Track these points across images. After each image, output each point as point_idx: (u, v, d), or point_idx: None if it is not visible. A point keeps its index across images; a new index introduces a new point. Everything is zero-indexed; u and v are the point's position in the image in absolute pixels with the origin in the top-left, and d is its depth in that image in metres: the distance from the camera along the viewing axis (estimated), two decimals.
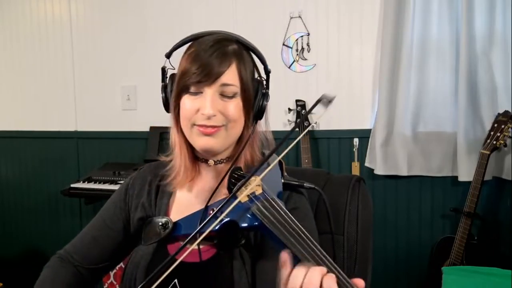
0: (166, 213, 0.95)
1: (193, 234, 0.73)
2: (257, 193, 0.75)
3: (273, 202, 0.74)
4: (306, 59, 2.38)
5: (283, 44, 2.39)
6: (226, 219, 0.78)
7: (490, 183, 2.13)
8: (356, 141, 2.33)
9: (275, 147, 0.76)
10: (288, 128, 2.36)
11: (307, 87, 2.37)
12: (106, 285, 2.28)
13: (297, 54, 2.38)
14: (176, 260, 0.70)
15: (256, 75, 0.95)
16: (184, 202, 0.96)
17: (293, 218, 0.72)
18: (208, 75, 0.84)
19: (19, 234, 2.96)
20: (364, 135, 2.32)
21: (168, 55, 0.94)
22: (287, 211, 0.73)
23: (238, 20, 2.46)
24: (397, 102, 2.20)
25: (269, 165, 0.82)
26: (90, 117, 2.77)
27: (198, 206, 0.89)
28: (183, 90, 0.88)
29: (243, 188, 0.74)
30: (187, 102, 0.87)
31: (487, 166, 1.93)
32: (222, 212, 0.74)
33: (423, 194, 2.30)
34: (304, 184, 0.90)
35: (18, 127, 2.92)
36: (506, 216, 2.17)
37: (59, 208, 2.86)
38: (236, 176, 0.80)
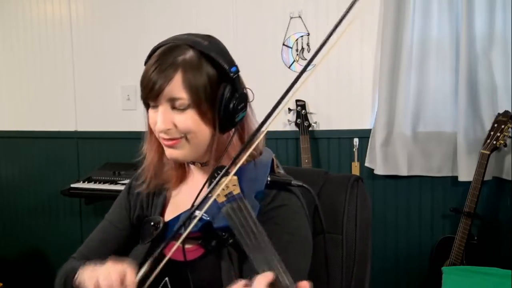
0: (161, 213, 0.96)
1: (172, 235, 0.74)
2: (234, 192, 0.75)
3: (240, 204, 0.74)
4: (306, 59, 2.38)
5: (283, 44, 2.39)
6: (206, 219, 0.79)
7: (490, 183, 2.13)
8: (356, 141, 2.33)
9: (242, 147, 0.75)
10: (288, 128, 2.36)
11: (307, 87, 2.37)
12: None
13: (297, 54, 2.38)
14: (164, 258, 0.73)
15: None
16: (178, 202, 0.97)
17: (256, 222, 0.72)
18: (151, 92, 0.85)
19: (19, 234, 2.96)
20: (364, 135, 2.32)
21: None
22: (252, 214, 0.73)
23: (238, 20, 2.46)
24: (397, 102, 2.20)
25: (258, 164, 0.82)
26: (90, 117, 2.77)
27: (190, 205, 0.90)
28: (146, 104, 0.91)
29: (217, 187, 0.74)
30: (150, 115, 0.90)
31: (487, 166, 1.93)
32: (200, 212, 0.75)
33: (423, 194, 2.30)
34: (292, 182, 0.89)
35: (18, 127, 2.92)
36: (506, 216, 2.16)
37: (59, 208, 2.86)
38: (216, 175, 0.80)
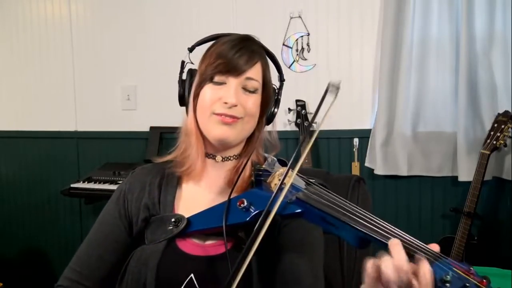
0: (172, 210, 0.93)
1: (263, 221, 0.71)
2: (288, 184, 0.77)
3: (320, 187, 0.77)
4: (306, 59, 2.38)
5: (283, 44, 2.39)
6: (255, 211, 0.80)
7: (490, 183, 2.13)
8: (356, 141, 2.33)
9: (307, 145, 0.81)
10: (288, 128, 2.36)
11: (307, 87, 2.37)
12: None
13: (297, 54, 2.38)
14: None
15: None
16: (191, 199, 0.95)
17: (335, 195, 0.74)
18: (236, 67, 0.88)
19: (19, 234, 2.96)
20: (364, 135, 2.32)
21: (191, 49, 0.97)
22: (326, 192, 0.75)
23: (238, 20, 2.46)
24: (397, 102, 2.20)
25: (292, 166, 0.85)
26: (90, 117, 2.77)
27: (206, 202, 0.90)
28: (207, 79, 0.90)
29: (277, 180, 0.77)
30: (209, 91, 0.89)
31: (487, 166, 1.93)
32: (251, 202, 0.79)
33: (423, 194, 2.30)
34: (313, 181, 0.91)
35: (18, 127, 2.92)
36: (506, 216, 2.16)
37: (59, 208, 2.86)
38: (260, 170, 0.84)
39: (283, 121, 2.37)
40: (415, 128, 2.24)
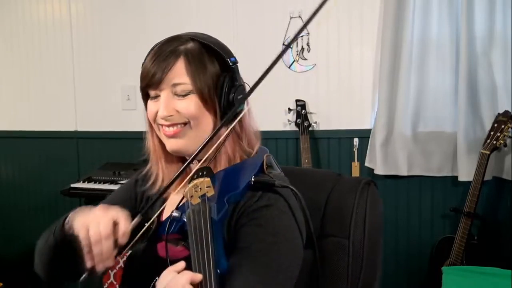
0: (160, 213, 0.94)
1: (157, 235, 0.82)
2: (208, 195, 0.73)
3: (203, 207, 0.72)
4: (306, 59, 2.38)
5: (283, 44, 2.39)
6: (184, 220, 0.79)
7: (490, 183, 2.13)
8: (356, 141, 2.33)
9: (207, 138, 0.79)
10: (288, 128, 2.36)
11: (307, 87, 2.37)
12: (106, 285, 2.28)
13: (297, 54, 2.38)
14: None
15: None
16: (174, 202, 0.93)
17: (210, 228, 0.70)
18: (153, 77, 0.86)
19: (19, 234, 2.96)
20: (364, 135, 2.32)
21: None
22: (209, 219, 0.71)
23: (238, 20, 2.46)
24: (397, 102, 2.20)
25: (258, 162, 0.83)
26: (90, 117, 2.77)
27: None
28: (145, 96, 0.92)
29: (189, 187, 0.72)
30: (150, 106, 0.91)
31: (487, 166, 1.93)
32: (182, 211, 0.79)
33: (423, 194, 2.30)
34: (276, 182, 0.85)
35: (18, 127, 2.92)
36: (506, 216, 2.16)
37: (59, 208, 2.85)
38: (196, 176, 0.77)
39: (283, 121, 2.37)
40: (415, 128, 2.24)
